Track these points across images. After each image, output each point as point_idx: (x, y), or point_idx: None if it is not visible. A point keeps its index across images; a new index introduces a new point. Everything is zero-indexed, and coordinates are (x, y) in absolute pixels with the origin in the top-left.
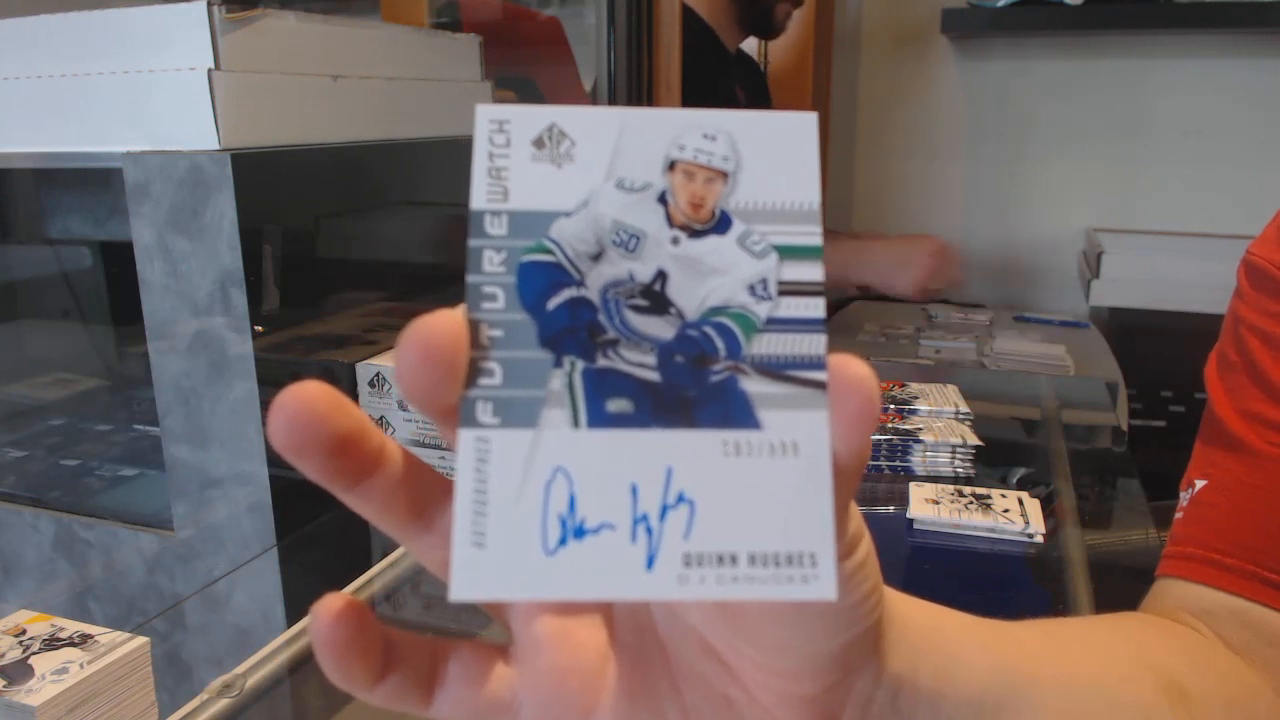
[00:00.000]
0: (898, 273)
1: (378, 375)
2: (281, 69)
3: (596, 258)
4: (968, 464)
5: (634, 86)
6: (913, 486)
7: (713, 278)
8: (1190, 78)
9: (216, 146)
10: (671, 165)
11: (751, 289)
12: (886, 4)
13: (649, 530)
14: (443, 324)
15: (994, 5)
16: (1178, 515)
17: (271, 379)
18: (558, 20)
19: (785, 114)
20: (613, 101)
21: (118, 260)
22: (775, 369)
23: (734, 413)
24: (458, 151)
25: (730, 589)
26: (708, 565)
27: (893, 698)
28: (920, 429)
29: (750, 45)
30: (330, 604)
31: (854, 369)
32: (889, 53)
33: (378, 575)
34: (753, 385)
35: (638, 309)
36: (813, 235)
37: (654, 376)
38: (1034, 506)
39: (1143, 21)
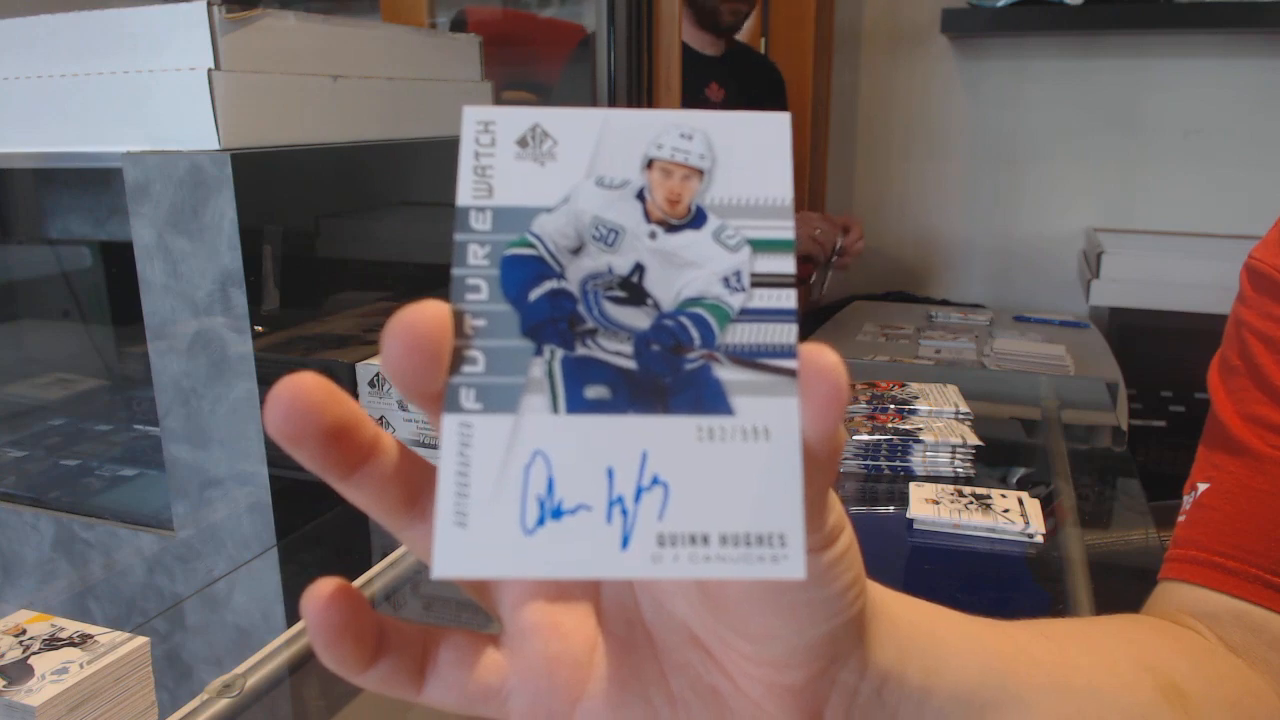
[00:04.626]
0: None
1: (378, 375)
2: (281, 69)
3: (577, 251)
4: (968, 464)
5: (634, 86)
6: (913, 486)
7: (688, 270)
8: (1190, 77)
9: (216, 146)
10: (649, 163)
11: (726, 281)
12: (886, 4)
13: (624, 511)
14: (428, 314)
15: (994, 5)
16: (1180, 518)
17: (271, 379)
18: (580, 26)
19: (759, 114)
20: (613, 101)
21: (118, 260)
22: (748, 357)
23: (707, 399)
24: (457, 151)
25: (702, 568)
26: (681, 545)
27: (878, 691)
28: (920, 429)
29: (748, 44)
30: (323, 588)
31: (824, 358)
32: (889, 53)
33: (378, 575)
34: (726, 373)
35: (616, 300)
36: (785, 230)
37: (631, 364)
38: (1034, 506)
39: (1142, 21)
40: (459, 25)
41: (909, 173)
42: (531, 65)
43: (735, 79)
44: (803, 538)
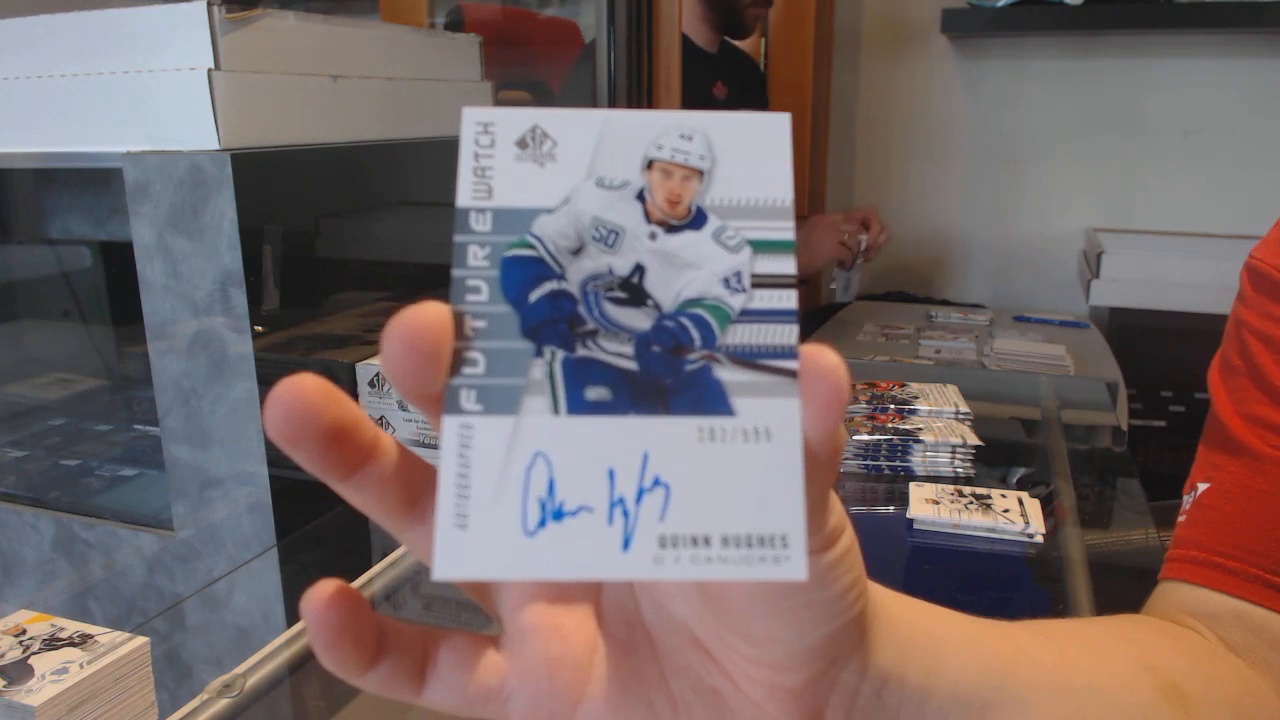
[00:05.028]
0: (811, 253)
1: (377, 375)
2: (281, 69)
3: (577, 252)
4: (968, 464)
5: (634, 86)
6: (913, 486)
7: (689, 271)
8: (1190, 78)
9: (216, 146)
10: (650, 164)
11: (726, 282)
12: (886, 4)
13: (625, 513)
14: (428, 315)
15: (994, 5)
16: (1180, 518)
17: (271, 379)
18: (574, 23)
19: (759, 114)
20: (613, 101)
21: (118, 260)
22: (749, 358)
23: (708, 400)
24: (457, 151)
25: (704, 569)
26: (682, 546)
27: (878, 692)
28: (920, 429)
29: (749, 44)
30: (323, 590)
31: (824, 358)
32: (889, 53)
33: (378, 575)
34: (727, 374)
35: (616, 301)
36: (785, 230)
37: (631, 365)
38: (1034, 506)
39: (1142, 21)
40: (455, 23)
41: (909, 173)
42: (527, 64)
43: (736, 76)
44: (805, 539)
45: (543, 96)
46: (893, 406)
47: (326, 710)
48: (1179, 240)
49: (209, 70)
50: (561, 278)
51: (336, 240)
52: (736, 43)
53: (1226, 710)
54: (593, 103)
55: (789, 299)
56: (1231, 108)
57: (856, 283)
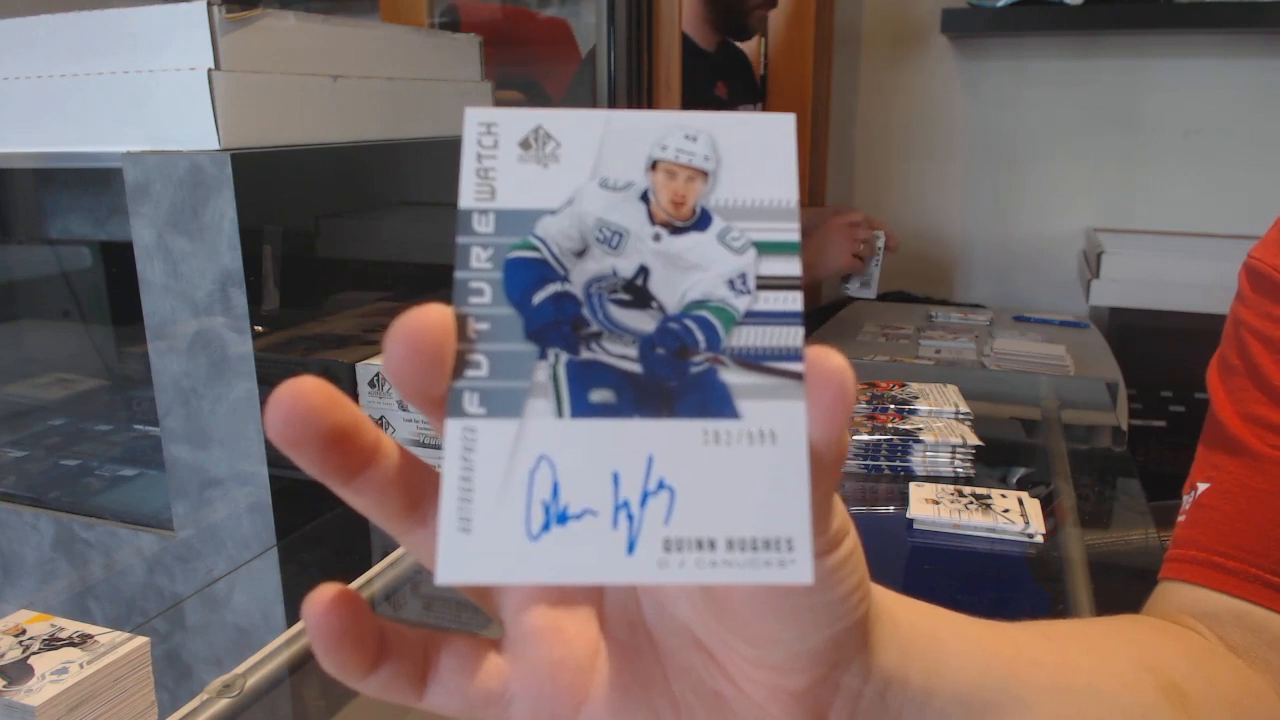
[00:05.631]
0: (822, 261)
1: (377, 375)
2: (281, 69)
3: (581, 254)
4: (968, 464)
5: (634, 87)
6: (913, 486)
7: (693, 273)
8: (1190, 77)
9: (216, 146)
10: (654, 165)
11: (731, 283)
12: (886, 4)
13: (630, 516)
14: (431, 317)
15: (994, 5)
16: (1180, 518)
17: (271, 379)
18: (565, 21)
19: (764, 115)
20: (613, 102)
21: (118, 260)
22: (754, 360)
23: (713, 402)
24: (458, 151)
25: (709, 573)
26: (687, 550)
27: (881, 694)
28: (920, 429)
29: (750, 43)
30: (324, 593)
31: (830, 361)
32: (889, 53)
33: (378, 575)
34: (732, 376)
35: (620, 303)
36: (790, 232)
37: (636, 368)
38: (1034, 506)
39: (1142, 21)
40: (451, 22)
41: (909, 173)
42: (520, 64)
43: (737, 76)
44: (810, 542)
45: (536, 95)
46: (893, 406)
47: (326, 710)
48: (1179, 240)
49: (209, 70)
50: (565, 280)
51: (336, 240)
52: (737, 43)
53: (1226, 710)
54: (592, 103)
55: (794, 301)
56: (1231, 108)
57: (877, 278)
